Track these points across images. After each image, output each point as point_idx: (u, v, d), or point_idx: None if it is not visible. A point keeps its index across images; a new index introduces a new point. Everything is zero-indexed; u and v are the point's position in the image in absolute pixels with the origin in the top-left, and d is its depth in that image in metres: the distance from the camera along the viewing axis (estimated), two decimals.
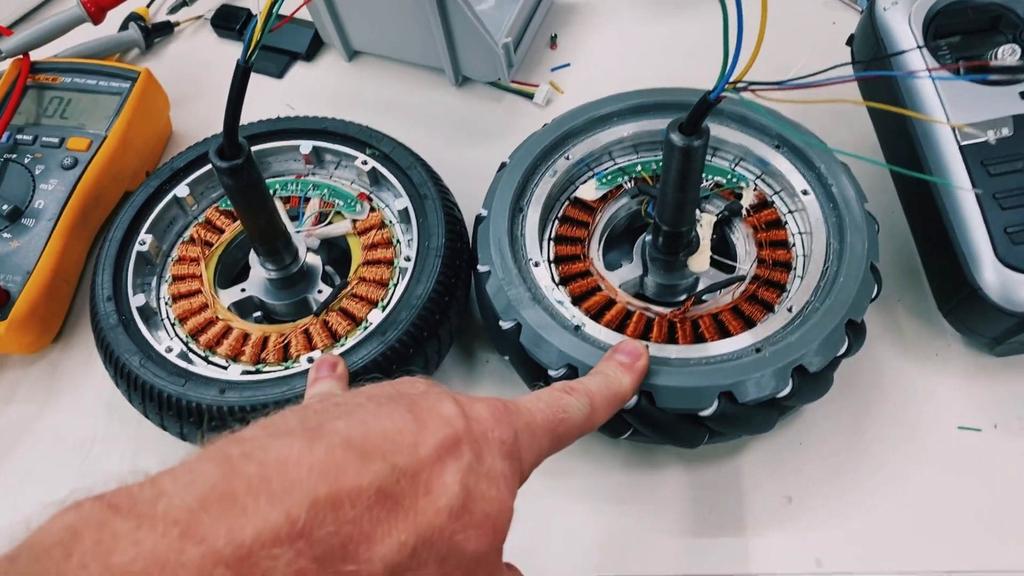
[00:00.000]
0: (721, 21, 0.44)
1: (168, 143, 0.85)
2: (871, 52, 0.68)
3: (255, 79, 0.89)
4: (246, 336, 0.63)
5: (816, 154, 0.63)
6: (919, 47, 0.61)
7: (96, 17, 0.79)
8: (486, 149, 0.76)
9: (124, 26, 0.90)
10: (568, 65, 0.86)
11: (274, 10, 0.50)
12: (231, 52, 0.89)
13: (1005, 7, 0.65)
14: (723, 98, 0.48)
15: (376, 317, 0.61)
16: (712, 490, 0.62)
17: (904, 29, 0.65)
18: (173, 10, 0.92)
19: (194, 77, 0.89)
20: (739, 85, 0.48)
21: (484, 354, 0.69)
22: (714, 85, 0.47)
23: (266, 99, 0.86)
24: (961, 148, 0.60)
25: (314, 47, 0.89)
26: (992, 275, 0.58)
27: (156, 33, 0.90)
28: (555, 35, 0.88)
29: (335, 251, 0.71)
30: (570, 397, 0.47)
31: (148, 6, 0.93)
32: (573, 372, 0.56)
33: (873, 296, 0.59)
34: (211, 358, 0.63)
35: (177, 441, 0.62)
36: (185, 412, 0.58)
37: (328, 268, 0.69)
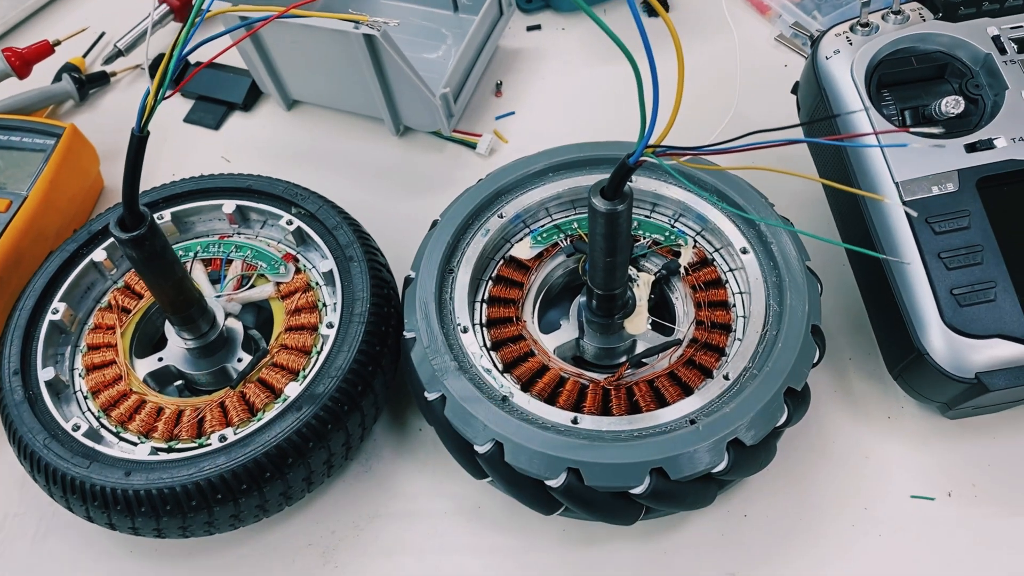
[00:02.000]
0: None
1: (100, 198, 0.82)
2: (814, 101, 0.65)
3: (192, 131, 0.87)
4: (160, 410, 0.60)
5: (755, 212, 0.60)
6: (864, 108, 0.59)
7: (20, 72, 0.77)
8: (426, 202, 0.74)
9: (58, 77, 0.88)
10: (513, 113, 0.84)
11: (167, 77, 0.47)
12: (169, 102, 0.86)
13: (950, 55, 0.63)
14: (642, 163, 0.46)
15: (294, 390, 0.58)
16: (652, 567, 0.59)
17: (847, 79, 0.62)
18: (109, 60, 0.89)
19: (130, 129, 0.86)
20: (658, 149, 0.45)
21: (417, 422, 0.66)
22: (633, 149, 0.45)
23: (202, 152, 0.84)
24: (905, 204, 0.57)
25: (252, 97, 0.86)
26: (939, 339, 0.55)
27: (91, 84, 0.88)
28: (500, 82, 0.85)
29: (263, 314, 0.68)
30: None
31: (84, 56, 0.91)
32: (499, 448, 0.53)
33: (815, 361, 0.56)
34: (123, 434, 0.59)
35: (88, 523, 0.58)
36: (89, 495, 0.55)
37: (254, 333, 0.66)
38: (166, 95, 0.48)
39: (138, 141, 0.50)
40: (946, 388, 0.56)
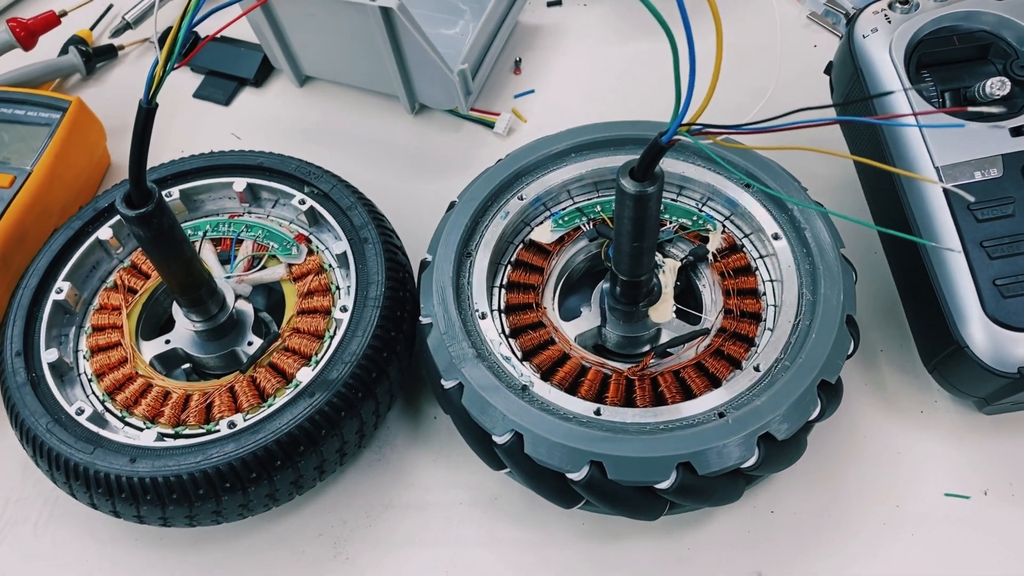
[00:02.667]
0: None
1: (106, 175, 0.80)
2: (849, 82, 0.62)
3: (201, 107, 0.85)
4: (167, 395, 0.58)
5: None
6: (904, 89, 0.56)
7: (26, 43, 0.74)
8: (442, 183, 0.71)
9: (64, 50, 0.85)
10: (532, 92, 0.81)
11: (176, 47, 0.45)
12: (178, 77, 0.84)
13: (994, 35, 0.60)
14: (676, 142, 0.43)
15: (306, 375, 0.56)
16: (676, 564, 0.57)
17: (884, 59, 0.60)
18: (117, 33, 0.87)
19: (138, 101, 0.84)
20: (693, 128, 0.43)
21: (432, 409, 0.64)
22: (666, 127, 0.42)
23: (212, 128, 0.81)
24: (946, 191, 0.55)
25: (263, 72, 0.84)
26: (979, 332, 0.53)
27: (98, 57, 0.85)
28: (519, 59, 0.83)
29: (274, 296, 0.65)
30: None
31: (91, 28, 0.88)
32: (518, 439, 0.51)
33: (849, 353, 0.54)
34: (128, 419, 0.57)
35: (92, 510, 0.57)
36: (93, 482, 0.53)
37: (264, 316, 0.64)
38: (175, 66, 0.46)
39: (146, 114, 0.47)
40: (986, 383, 0.54)
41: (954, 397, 0.61)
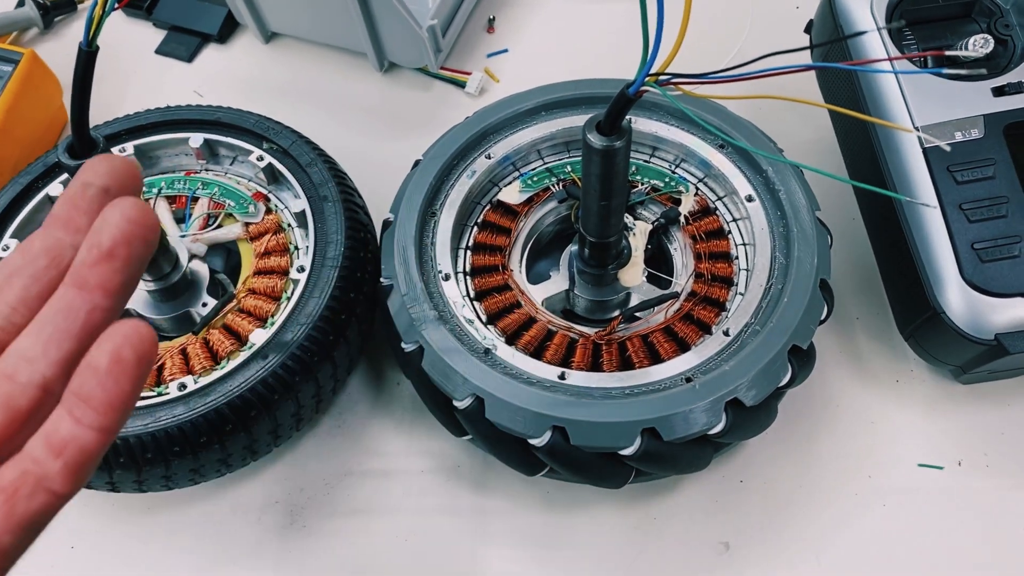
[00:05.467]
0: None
1: (62, 132, 0.77)
2: (831, 40, 0.60)
3: (163, 63, 0.82)
4: None
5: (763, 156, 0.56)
6: (878, 28, 0.54)
7: None
8: (410, 143, 0.69)
9: (20, 2, 0.82)
10: (506, 51, 0.78)
11: None
12: (139, 33, 0.81)
13: None
14: (643, 92, 0.41)
15: (260, 337, 0.54)
16: (641, 533, 0.55)
17: (866, 15, 0.58)
18: None
19: (97, 59, 0.81)
20: (661, 78, 0.41)
21: (395, 376, 0.62)
22: (633, 78, 0.40)
23: (173, 85, 0.78)
24: (925, 152, 0.53)
25: (228, 28, 0.80)
26: (957, 297, 0.51)
27: (56, 11, 0.82)
28: (493, 17, 0.80)
29: (234, 258, 0.63)
30: None
31: None
32: (479, 403, 0.49)
33: (822, 318, 0.52)
34: None
35: None
36: None
37: (222, 277, 0.61)
38: (115, 6, 0.43)
39: (86, 57, 0.45)
40: (962, 350, 0.53)
41: (930, 366, 0.59)
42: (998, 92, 0.54)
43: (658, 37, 0.38)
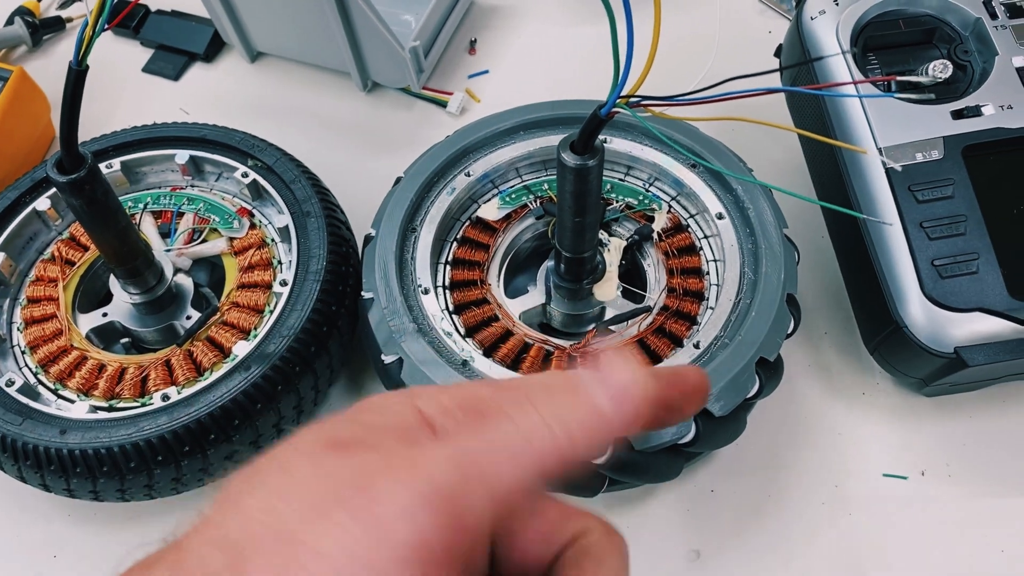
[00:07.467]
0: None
1: (51, 148, 0.78)
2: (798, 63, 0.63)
3: (150, 81, 0.83)
4: (101, 367, 0.57)
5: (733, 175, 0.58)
6: (842, 52, 0.56)
7: None
8: (392, 160, 0.70)
9: (10, 20, 0.83)
10: (487, 72, 0.80)
11: (107, 5, 0.44)
12: (127, 51, 0.83)
13: (939, 19, 0.60)
14: (615, 114, 0.43)
15: (243, 349, 0.55)
16: None
17: (831, 40, 0.60)
18: (64, 5, 0.85)
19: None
20: (632, 100, 0.43)
21: (376, 388, 0.63)
22: (605, 99, 0.42)
23: (160, 103, 0.80)
24: (888, 172, 0.55)
25: (214, 47, 0.82)
26: (918, 311, 0.53)
27: (45, 29, 0.84)
28: (474, 39, 0.82)
29: (218, 272, 0.64)
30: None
31: (39, 0, 0.86)
32: None
33: (789, 332, 0.54)
34: (60, 391, 0.56)
35: (23, 485, 0.55)
36: (21, 454, 0.52)
37: (206, 291, 0.63)
38: (105, 27, 0.45)
39: (76, 75, 0.46)
40: (924, 363, 0.54)
41: (895, 379, 0.61)
42: (957, 115, 0.56)
43: (628, 60, 0.40)
